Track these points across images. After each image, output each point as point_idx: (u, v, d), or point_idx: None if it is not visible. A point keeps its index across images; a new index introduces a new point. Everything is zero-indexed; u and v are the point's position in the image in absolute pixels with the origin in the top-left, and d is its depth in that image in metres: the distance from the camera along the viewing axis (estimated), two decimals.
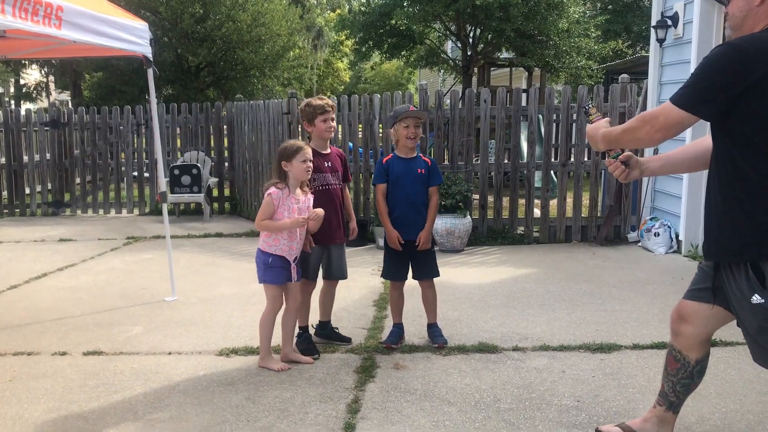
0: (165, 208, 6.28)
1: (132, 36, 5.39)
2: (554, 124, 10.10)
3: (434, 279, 4.66)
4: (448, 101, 8.85)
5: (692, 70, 6.39)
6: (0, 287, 6.34)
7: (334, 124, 4.54)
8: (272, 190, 4.07)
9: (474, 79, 16.03)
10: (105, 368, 4.26)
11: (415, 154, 4.54)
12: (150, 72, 5.78)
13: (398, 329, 4.66)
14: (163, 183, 6.16)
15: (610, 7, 18.58)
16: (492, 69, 16.59)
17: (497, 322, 5.12)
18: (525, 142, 10.46)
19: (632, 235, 8.02)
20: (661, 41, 7.55)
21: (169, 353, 4.54)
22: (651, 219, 7.73)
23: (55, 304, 5.77)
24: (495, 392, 3.81)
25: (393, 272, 4.63)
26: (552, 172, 8.41)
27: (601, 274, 6.61)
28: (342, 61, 43.85)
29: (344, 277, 4.66)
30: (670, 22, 7.37)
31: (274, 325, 4.21)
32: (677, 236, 7.35)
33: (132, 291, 6.21)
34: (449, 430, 3.35)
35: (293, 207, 4.10)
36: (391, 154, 4.58)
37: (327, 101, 4.46)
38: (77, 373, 4.17)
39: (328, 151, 4.52)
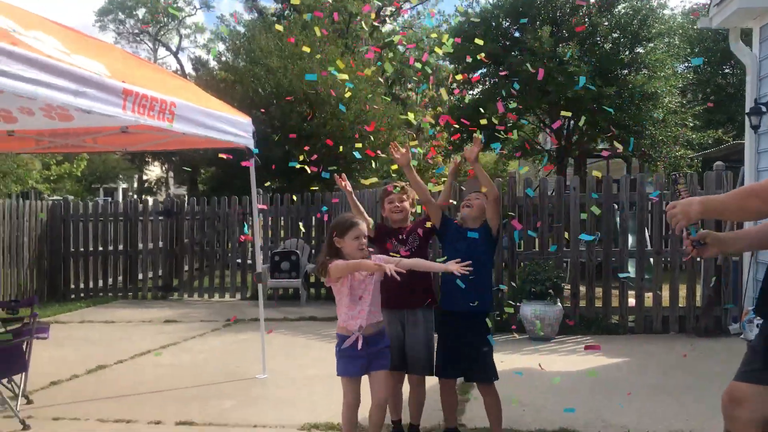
0: (260, 288, 6.61)
1: (237, 129, 5.90)
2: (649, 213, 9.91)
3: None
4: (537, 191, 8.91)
5: None
6: (108, 362, 6.78)
7: (404, 204, 4.39)
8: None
9: (570, 170, 16.04)
10: None
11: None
12: (252, 162, 6.24)
13: None
14: (259, 265, 6.51)
15: (713, 97, 18.31)
16: (588, 160, 16.60)
17: (581, 409, 5.01)
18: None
19: (734, 327, 7.66)
20: (755, 128, 7.43)
21: (255, 426, 4.73)
22: (753, 309, 7.38)
23: (155, 379, 6.12)
24: None
25: None
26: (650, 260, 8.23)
27: (696, 365, 6.35)
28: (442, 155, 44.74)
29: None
30: (764, 109, 7.27)
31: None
32: None
33: (227, 369, 6.49)
34: None
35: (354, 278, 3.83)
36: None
37: (395, 185, 4.46)
38: None
39: (407, 225, 4.41)
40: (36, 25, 4.89)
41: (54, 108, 5.21)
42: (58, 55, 4.31)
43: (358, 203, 4.41)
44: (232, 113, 5.93)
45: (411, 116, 9.14)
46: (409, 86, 35.11)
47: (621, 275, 7.57)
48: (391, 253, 4.06)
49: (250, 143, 6.10)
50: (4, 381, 5.07)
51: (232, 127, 5.77)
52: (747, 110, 7.55)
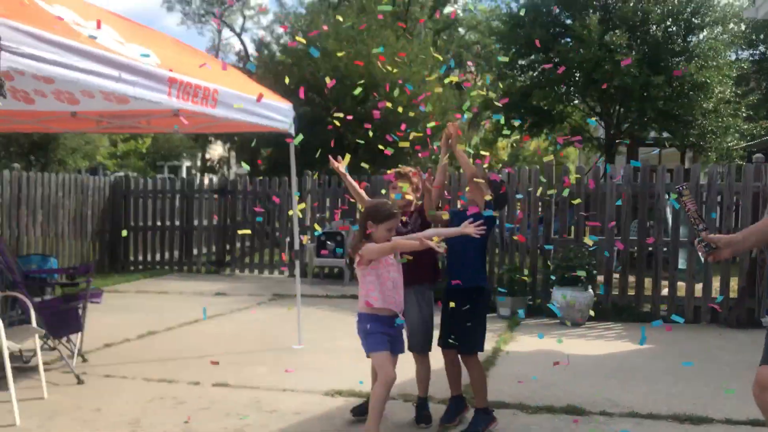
0: (297, 265, 7.04)
1: (277, 114, 6.28)
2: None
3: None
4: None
5: None
6: (158, 329, 7.32)
7: (408, 190, 4.45)
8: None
9: (623, 158, 15.96)
10: (227, 397, 4.93)
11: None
12: (292, 145, 6.61)
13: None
14: (296, 243, 6.91)
15: (761, 92, 17.83)
16: (641, 149, 16.46)
17: (594, 389, 5.24)
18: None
19: (766, 319, 7.69)
20: None
21: (284, 390, 5.13)
22: None
23: (199, 345, 6.60)
24: None
25: None
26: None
27: (719, 355, 6.47)
28: (501, 140, 44.50)
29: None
30: None
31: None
32: None
33: (266, 338, 6.94)
34: None
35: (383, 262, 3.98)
36: None
37: (402, 169, 4.52)
38: (204, 400, 4.87)
39: (410, 210, 4.50)
40: (94, 16, 5.34)
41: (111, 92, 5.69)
42: (114, 45, 4.75)
43: (356, 185, 4.61)
44: (274, 99, 6.30)
45: (465, 107, 9.40)
46: (470, 69, 35.11)
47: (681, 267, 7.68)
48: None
49: (291, 128, 6.47)
50: (63, 340, 5.60)
51: (273, 112, 6.15)
52: None
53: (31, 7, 4.24)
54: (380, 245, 3.86)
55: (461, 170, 5.95)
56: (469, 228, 3.91)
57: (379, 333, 3.88)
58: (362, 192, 4.63)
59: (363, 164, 7.23)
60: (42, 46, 3.73)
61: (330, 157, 4.77)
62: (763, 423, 4.49)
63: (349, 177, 4.63)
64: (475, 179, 4.27)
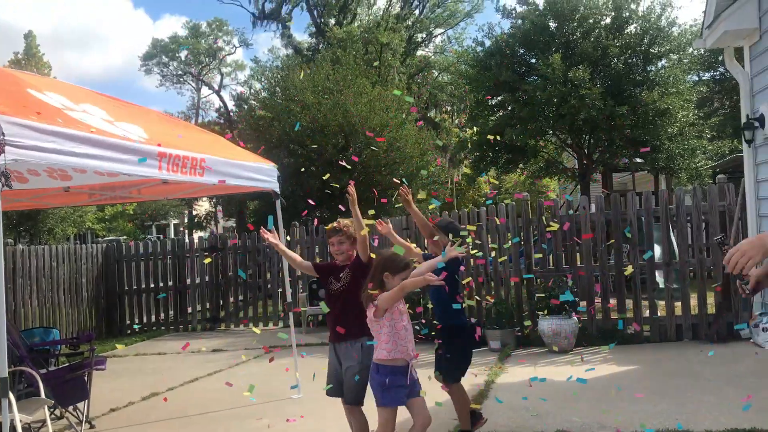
0: (291, 317, 7.30)
1: (262, 175, 6.63)
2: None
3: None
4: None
5: None
6: (160, 389, 7.52)
7: (342, 247, 4.58)
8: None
9: (598, 185, 16.43)
10: None
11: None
12: (278, 203, 6.96)
13: None
14: (288, 295, 7.19)
15: (725, 110, 18.49)
16: (614, 174, 16.97)
17: (582, 414, 5.50)
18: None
19: (745, 332, 8.00)
20: (749, 142, 7.84)
21: None
22: (760, 314, 7.74)
23: (202, 402, 6.82)
24: None
25: None
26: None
27: (701, 370, 6.76)
28: (483, 176, 45.15)
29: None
30: (757, 124, 7.68)
31: None
32: None
33: (266, 391, 7.14)
34: None
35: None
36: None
37: (338, 224, 4.59)
38: None
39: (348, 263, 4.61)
40: (84, 99, 5.72)
41: None
42: (105, 125, 5.10)
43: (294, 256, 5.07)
44: (257, 161, 6.66)
45: (439, 141, 9.81)
46: (445, 110, 35.85)
47: (661, 286, 8.03)
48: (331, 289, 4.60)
49: (276, 186, 6.82)
50: (70, 408, 5.81)
51: (258, 173, 6.50)
52: (742, 125, 7.97)
53: (28, 98, 4.59)
54: (391, 292, 3.94)
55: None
56: (452, 252, 4.17)
57: (397, 387, 3.96)
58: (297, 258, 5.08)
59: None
60: (42, 137, 4.06)
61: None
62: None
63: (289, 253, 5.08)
64: (433, 238, 4.77)
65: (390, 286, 3.98)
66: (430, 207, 14.78)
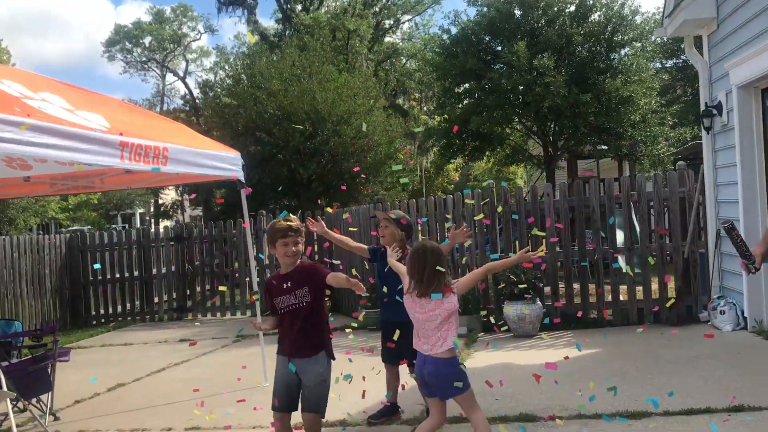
0: (257, 305, 7.28)
1: (226, 164, 6.58)
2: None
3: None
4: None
5: (738, 155, 6.86)
6: (126, 380, 7.48)
7: (299, 247, 4.32)
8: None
9: (564, 172, 16.64)
10: None
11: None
12: (243, 192, 6.93)
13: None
14: (254, 284, 7.19)
15: (687, 98, 18.86)
16: (579, 161, 17.20)
17: (546, 396, 5.61)
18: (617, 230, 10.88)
19: (704, 315, 8.20)
20: (708, 129, 8.01)
21: (254, 427, 5.40)
22: (718, 297, 7.94)
23: (168, 392, 6.80)
24: None
25: None
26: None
27: (661, 353, 6.92)
28: (452, 162, 45.37)
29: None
30: (715, 111, 7.84)
31: None
32: (743, 313, 7.53)
33: (233, 380, 7.12)
34: None
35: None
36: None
37: (291, 224, 4.30)
38: None
39: (291, 269, 4.34)
40: (44, 87, 5.62)
41: None
42: (65, 114, 5.03)
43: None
44: (222, 150, 6.61)
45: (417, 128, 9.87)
46: (413, 97, 35.87)
47: (615, 265, 8.18)
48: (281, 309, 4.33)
49: (240, 174, 6.78)
50: (33, 401, 5.75)
51: (222, 162, 6.46)
52: (701, 113, 8.13)
53: None
54: (473, 273, 4.26)
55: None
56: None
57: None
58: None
59: (320, 201, 7.65)
60: None
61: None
62: (698, 412, 4.94)
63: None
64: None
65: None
66: (401, 181, 14.78)
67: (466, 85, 15.22)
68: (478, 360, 7.17)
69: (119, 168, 6.48)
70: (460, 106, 15.73)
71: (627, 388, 5.65)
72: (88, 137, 4.69)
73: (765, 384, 5.52)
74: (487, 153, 16.23)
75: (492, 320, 8.14)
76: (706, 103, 8.03)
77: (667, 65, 19.44)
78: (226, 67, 29.61)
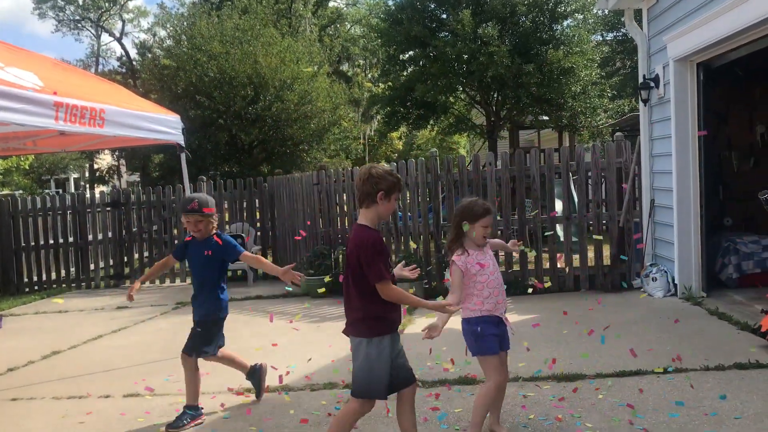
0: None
1: (166, 128, 6.43)
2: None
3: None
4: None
5: (673, 126, 7.06)
6: (62, 347, 7.31)
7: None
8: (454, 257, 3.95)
9: (506, 141, 16.86)
10: (139, 406, 5.11)
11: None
12: (183, 156, 6.79)
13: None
14: None
15: (626, 70, 19.31)
16: (521, 131, 17.46)
17: None
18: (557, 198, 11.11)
19: (637, 282, 8.49)
20: (645, 101, 8.21)
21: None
22: (650, 265, 8.22)
23: (106, 359, 6.68)
24: (462, 414, 4.46)
25: None
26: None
27: (596, 318, 7.14)
28: (396, 130, 45.41)
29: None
30: (652, 84, 8.04)
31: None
32: (673, 280, 7.82)
33: (172, 347, 7.00)
34: None
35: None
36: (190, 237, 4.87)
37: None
38: (116, 410, 5.03)
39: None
40: None
41: None
42: None
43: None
44: (162, 113, 6.45)
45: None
46: (358, 63, 35.61)
47: (547, 233, 8.36)
48: None
49: (180, 139, 6.65)
50: None
51: (161, 125, 6.30)
52: (639, 85, 8.32)
53: None
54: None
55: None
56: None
57: (491, 335, 3.95)
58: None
59: (262, 167, 7.54)
60: None
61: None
62: (629, 374, 5.14)
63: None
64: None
65: (469, 235, 3.88)
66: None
67: (411, 53, 15.18)
68: (419, 325, 7.22)
69: (53, 129, 6.32)
70: (405, 73, 15.71)
71: (564, 352, 5.83)
72: (20, 96, 4.51)
73: (691, 347, 5.78)
74: (431, 122, 16.29)
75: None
76: (644, 76, 8.22)
77: (608, 38, 19.80)
78: (168, 26, 28.71)
